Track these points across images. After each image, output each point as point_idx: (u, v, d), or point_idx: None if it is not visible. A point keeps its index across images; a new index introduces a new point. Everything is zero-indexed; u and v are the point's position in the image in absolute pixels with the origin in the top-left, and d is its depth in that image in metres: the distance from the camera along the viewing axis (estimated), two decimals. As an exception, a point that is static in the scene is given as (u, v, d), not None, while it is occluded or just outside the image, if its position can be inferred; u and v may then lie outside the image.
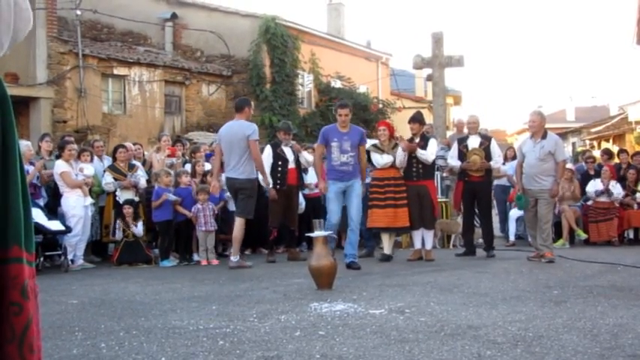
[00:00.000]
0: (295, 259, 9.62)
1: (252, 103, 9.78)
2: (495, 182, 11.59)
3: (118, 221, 9.53)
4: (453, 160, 9.84)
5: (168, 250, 9.72)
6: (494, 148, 9.68)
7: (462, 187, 9.83)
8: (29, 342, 1.79)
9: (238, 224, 8.62)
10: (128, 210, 9.54)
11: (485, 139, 9.74)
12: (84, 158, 9.72)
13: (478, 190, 9.60)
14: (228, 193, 10.50)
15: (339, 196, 8.23)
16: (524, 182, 8.86)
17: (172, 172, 10.12)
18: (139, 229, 9.53)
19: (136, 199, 9.85)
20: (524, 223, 10.06)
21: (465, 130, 10.74)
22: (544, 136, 8.72)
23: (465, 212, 10.08)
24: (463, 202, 9.99)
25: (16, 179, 1.82)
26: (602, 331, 3.90)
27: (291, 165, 9.78)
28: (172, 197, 9.65)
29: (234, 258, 8.65)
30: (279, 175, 9.60)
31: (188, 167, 10.70)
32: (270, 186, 9.36)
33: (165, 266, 9.31)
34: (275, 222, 9.67)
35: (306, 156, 10.20)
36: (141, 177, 9.94)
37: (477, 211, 9.88)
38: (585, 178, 12.47)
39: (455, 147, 9.93)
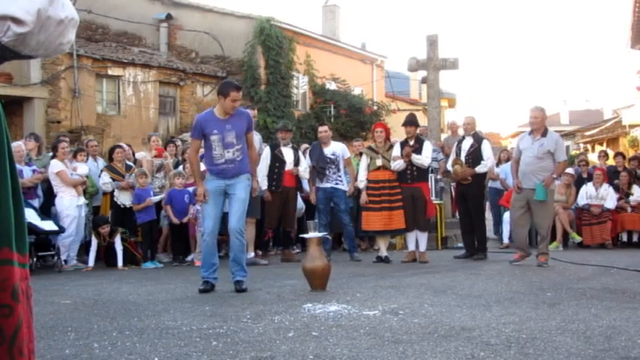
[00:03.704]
0: (289, 260, 9.62)
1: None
2: (489, 184, 11.59)
3: (93, 236, 9.26)
4: (450, 165, 9.82)
5: (153, 251, 9.70)
6: (485, 151, 9.43)
7: (456, 191, 9.83)
8: (19, 345, 1.77)
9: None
10: (105, 229, 9.19)
11: (476, 141, 9.56)
12: (80, 158, 9.69)
13: (467, 194, 9.57)
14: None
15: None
16: (520, 180, 8.48)
17: (159, 175, 10.09)
18: (118, 253, 9.23)
19: (132, 200, 9.82)
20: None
21: (461, 132, 10.70)
22: (544, 134, 8.37)
23: (460, 215, 10.08)
24: (458, 205, 9.98)
25: (6, 179, 1.80)
26: (596, 333, 3.90)
27: (289, 166, 9.74)
28: (156, 198, 9.63)
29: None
30: (274, 176, 9.58)
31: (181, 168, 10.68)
32: (265, 187, 9.38)
33: (148, 268, 9.26)
34: (271, 223, 9.67)
35: None
36: (138, 178, 9.94)
37: None
38: (579, 182, 12.50)
39: (453, 150, 9.89)
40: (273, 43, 19.41)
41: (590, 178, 12.37)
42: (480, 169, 9.44)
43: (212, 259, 6.25)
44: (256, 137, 9.41)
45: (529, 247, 8.89)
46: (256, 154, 6.81)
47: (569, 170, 12.31)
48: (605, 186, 11.97)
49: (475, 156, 9.43)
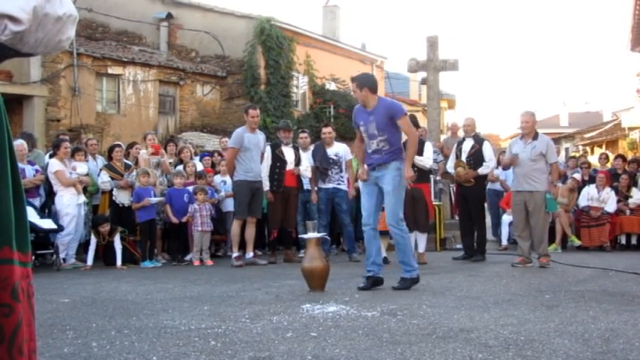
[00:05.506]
0: (290, 260, 9.60)
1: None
2: (489, 186, 11.58)
3: (92, 235, 9.24)
4: (450, 167, 9.82)
5: (152, 250, 9.68)
6: (486, 152, 9.49)
7: (457, 192, 9.83)
8: (19, 344, 1.77)
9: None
10: (105, 228, 9.18)
11: (477, 143, 9.60)
12: (78, 157, 9.69)
13: (468, 196, 9.60)
14: (222, 193, 10.49)
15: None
16: (514, 183, 8.82)
17: (155, 172, 10.08)
18: (117, 252, 9.23)
19: (131, 199, 9.80)
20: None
21: (462, 133, 10.70)
22: (535, 137, 8.65)
23: (460, 216, 10.07)
24: (459, 206, 9.98)
25: (6, 177, 1.79)
26: (594, 335, 3.90)
27: (290, 166, 9.72)
28: (154, 200, 9.59)
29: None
30: (275, 176, 9.57)
31: (181, 167, 10.66)
32: (267, 188, 9.42)
33: (147, 267, 9.25)
34: (275, 223, 9.67)
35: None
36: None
37: None
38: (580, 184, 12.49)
39: (453, 152, 9.89)
40: (273, 43, 19.41)
41: (591, 181, 12.37)
42: (482, 170, 9.50)
43: (370, 249, 6.38)
44: (261, 137, 9.42)
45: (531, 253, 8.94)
46: (416, 135, 6.69)
47: (576, 176, 12.32)
48: (608, 189, 11.94)
49: (476, 157, 9.47)
